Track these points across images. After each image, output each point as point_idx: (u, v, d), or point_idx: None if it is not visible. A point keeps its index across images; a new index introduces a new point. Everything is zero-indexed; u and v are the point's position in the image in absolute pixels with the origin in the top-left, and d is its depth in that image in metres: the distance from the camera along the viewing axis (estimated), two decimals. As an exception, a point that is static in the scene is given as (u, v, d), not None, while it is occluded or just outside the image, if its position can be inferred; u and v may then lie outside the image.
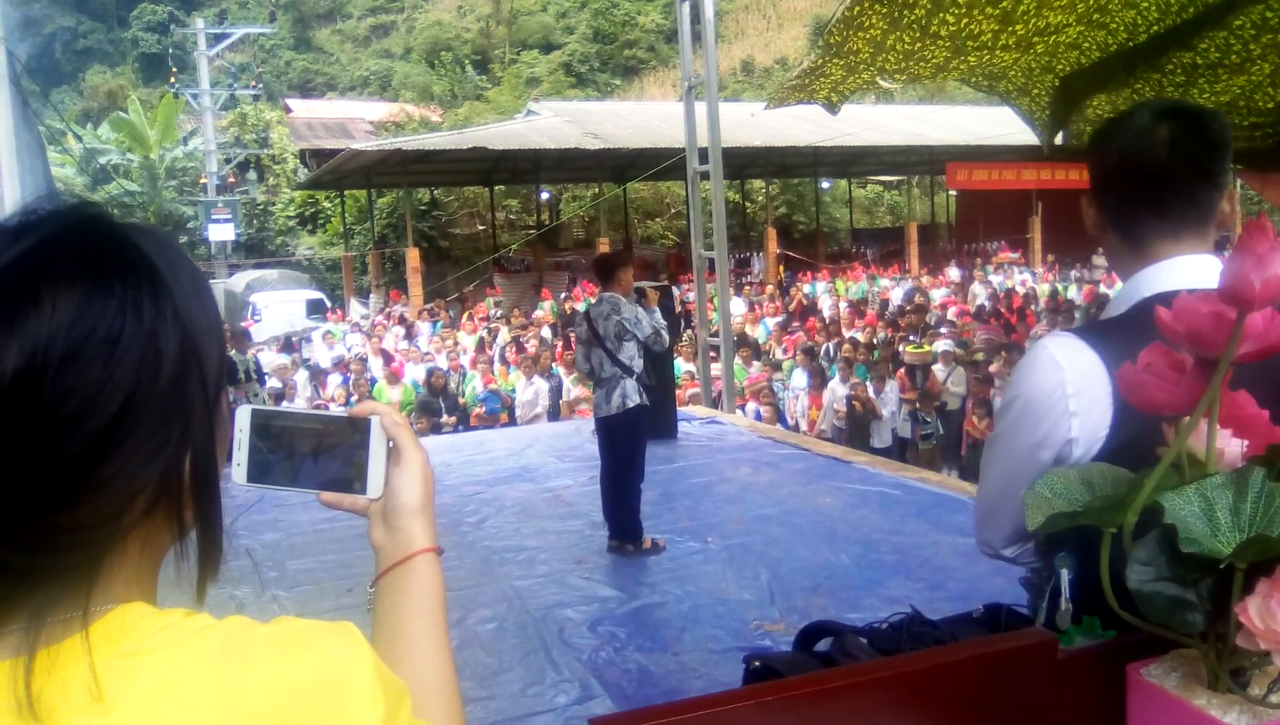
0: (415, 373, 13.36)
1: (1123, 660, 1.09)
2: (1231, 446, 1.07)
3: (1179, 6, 3.36)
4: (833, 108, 4.44)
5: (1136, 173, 1.45)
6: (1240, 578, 0.95)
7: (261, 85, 38.31)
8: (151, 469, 0.69)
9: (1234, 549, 0.95)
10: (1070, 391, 1.36)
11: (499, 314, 20.57)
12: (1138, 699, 1.06)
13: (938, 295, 20.58)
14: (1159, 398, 1.05)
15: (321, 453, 0.97)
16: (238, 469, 0.93)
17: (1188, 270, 1.42)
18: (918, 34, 3.46)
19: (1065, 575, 1.43)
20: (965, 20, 3.33)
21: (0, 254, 0.67)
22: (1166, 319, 1.03)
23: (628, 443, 6.04)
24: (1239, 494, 1.00)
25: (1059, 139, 4.05)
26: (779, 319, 17.73)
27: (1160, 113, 1.46)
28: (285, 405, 11.74)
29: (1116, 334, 1.41)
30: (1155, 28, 3.57)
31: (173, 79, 32.35)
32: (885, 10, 3.35)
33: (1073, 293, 19.73)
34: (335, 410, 1.04)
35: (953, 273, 24.86)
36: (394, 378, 12.98)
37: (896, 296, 20.87)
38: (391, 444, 0.97)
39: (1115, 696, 1.09)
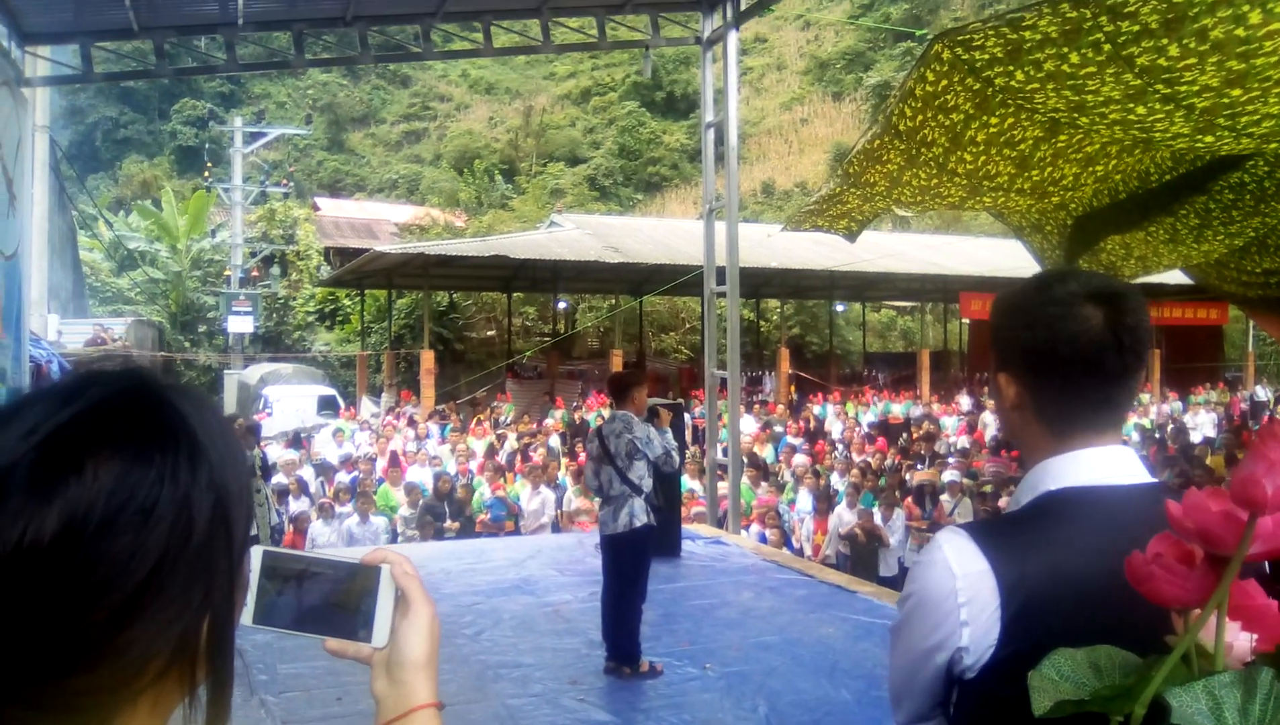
0: (422, 475, 13.30)
1: None
2: (1240, 640, 1.06)
3: (1194, 157, 3.42)
4: (850, 236, 4.51)
5: (1073, 360, 1.36)
6: (1249, 784, 0.93)
7: (292, 183, 39.22)
8: (171, 633, 0.70)
9: (1243, 754, 0.94)
10: (962, 600, 1.31)
11: (508, 420, 20.58)
12: None
13: (949, 423, 20.55)
14: (1168, 591, 1.04)
15: (329, 598, 0.97)
16: (245, 610, 0.93)
17: (1098, 463, 1.36)
18: (934, 170, 3.53)
19: None
20: (983, 159, 3.40)
21: (48, 418, 0.69)
22: (1176, 513, 1.03)
23: (633, 562, 5.98)
24: (1247, 694, 0.98)
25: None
26: (797, 441, 17.67)
27: (1092, 295, 1.36)
28: (292, 507, 11.69)
29: (1014, 533, 1.37)
30: (1168, 176, 3.63)
31: (207, 173, 33.18)
32: (904, 146, 3.42)
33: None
34: (346, 554, 1.04)
35: (964, 402, 24.87)
36: (396, 478, 12.95)
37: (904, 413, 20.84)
38: (400, 594, 0.97)
39: None
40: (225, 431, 0.78)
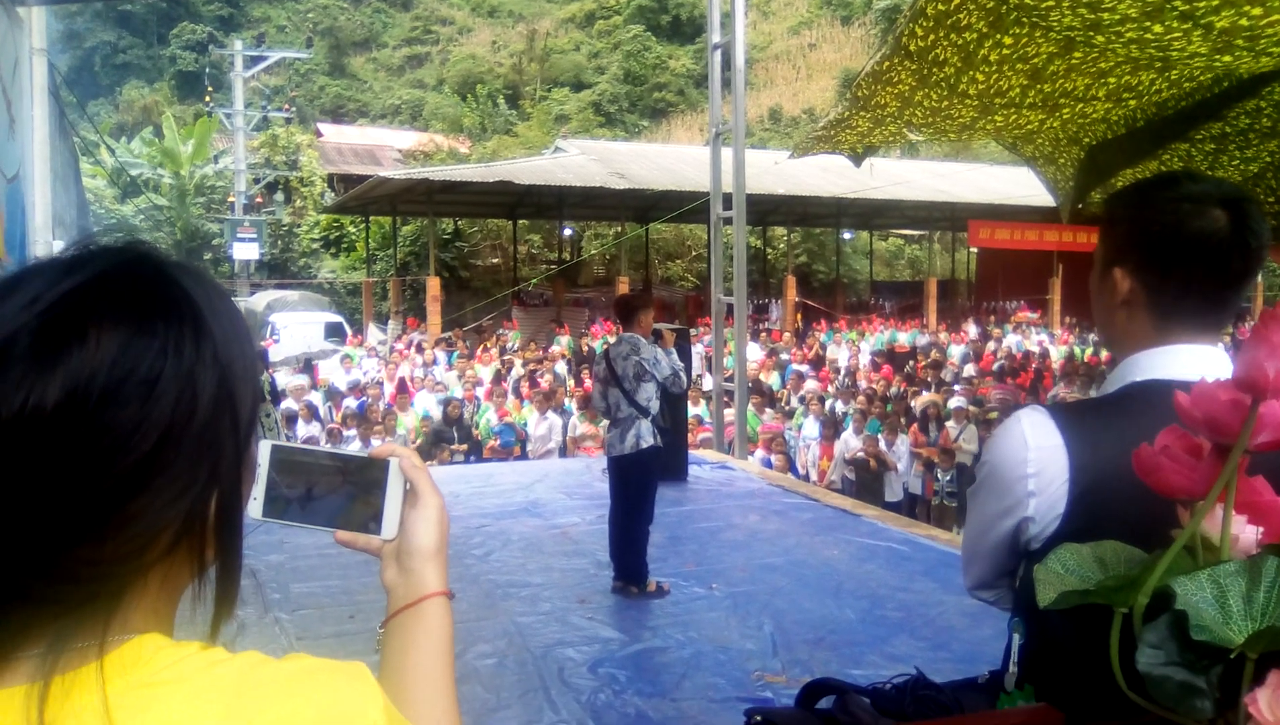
0: (429, 402, 13.39)
1: (1129, 743, 1.08)
2: (1246, 533, 1.07)
3: (1211, 80, 3.37)
4: (857, 159, 4.46)
5: (1197, 257, 1.38)
6: (1251, 667, 0.95)
7: (294, 109, 38.78)
8: (178, 507, 0.70)
9: (1245, 639, 0.95)
10: (1031, 471, 1.36)
11: (514, 347, 20.63)
12: (1143, 783, 1.05)
13: (955, 351, 20.55)
14: (1175, 481, 1.05)
15: (339, 491, 0.98)
16: (254, 503, 0.94)
17: (1191, 360, 1.38)
18: (945, 92, 3.48)
19: (1016, 640, 1.45)
20: (995, 77, 3.34)
21: (51, 288, 0.69)
22: (1184, 403, 1.03)
23: (639, 483, 6.04)
24: (1252, 583, 0.99)
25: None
26: (803, 367, 17.71)
27: (1221, 198, 1.38)
28: (301, 431, 11.78)
29: (1094, 417, 1.41)
30: (1184, 102, 3.58)
31: (208, 98, 32.76)
32: (915, 67, 3.37)
33: (1090, 354, 19.65)
34: (354, 449, 1.05)
35: (971, 329, 24.84)
36: (404, 404, 13.04)
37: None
38: (409, 487, 0.98)
39: (1120, 778, 1.08)
40: (229, 309, 0.77)
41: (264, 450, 0.95)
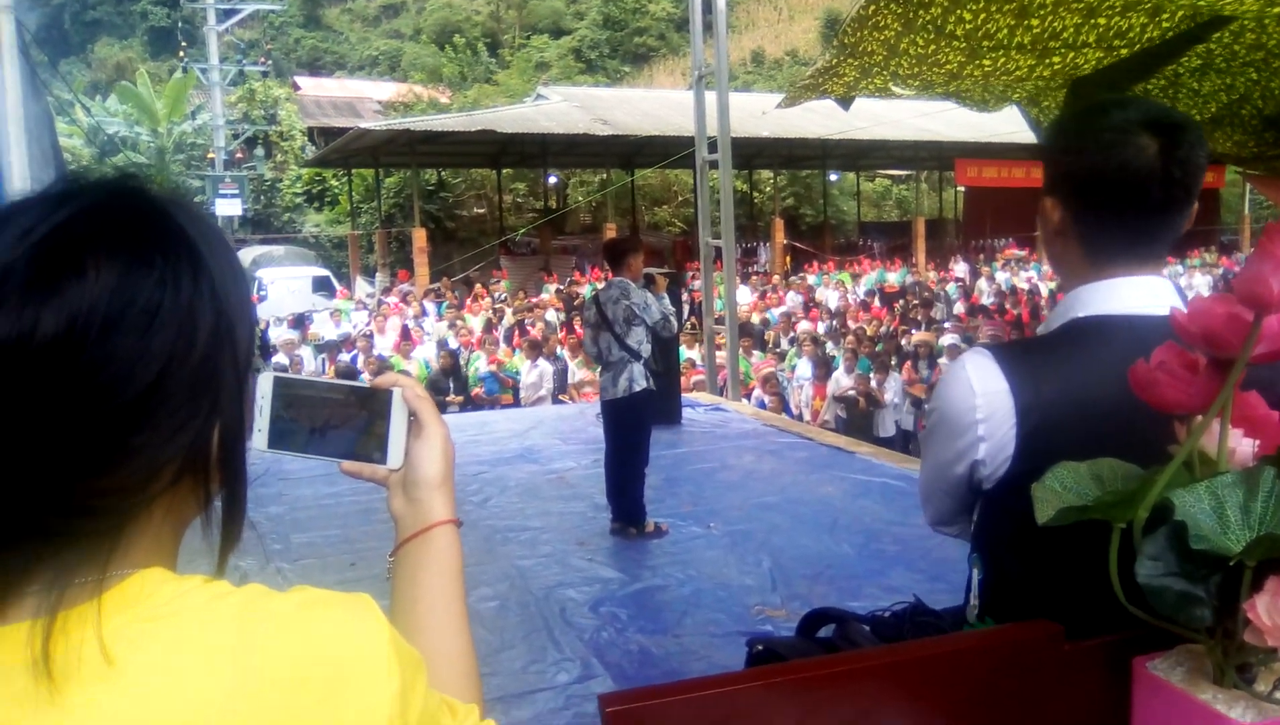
0: (425, 352, 13.41)
1: (1129, 653, 1.10)
2: (1243, 446, 1.09)
3: (1196, 18, 3.33)
4: (845, 102, 4.43)
5: (1120, 188, 1.35)
6: (1249, 575, 0.97)
7: (270, 62, 38.17)
8: (180, 440, 0.70)
9: (1244, 547, 0.97)
10: (980, 417, 1.36)
11: (503, 297, 20.58)
12: (1143, 692, 1.08)
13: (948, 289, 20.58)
14: (1171, 397, 1.06)
15: (343, 422, 0.98)
16: (259, 435, 0.94)
17: (1131, 292, 1.37)
18: (932, 34, 3.45)
19: (975, 575, 1.47)
20: (983, 17, 3.31)
21: (44, 220, 0.68)
22: (1181, 320, 1.04)
23: (633, 426, 6.06)
24: (1249, 493, 1.01)
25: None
26: (784, 308, 17.74)
27: (1149, 124, 1.34)
28: (308, 374, 11.78)
29: (1037, 355, 1.40)
30: (1169, 33, 3.54)
31: (181, 53, 32.24)
32: (900, 10, 3.33)
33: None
34: (358, 381, 1.05)
35: (959, 268, 24.84)
36: (407, 351, 13.08)
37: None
38: (413, 416, 0.98)
39: (1121, 689, 1.11)
40: (224, 244, 0.77)
41: (267, 382, 0.95)
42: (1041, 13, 3.38)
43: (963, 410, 1.38)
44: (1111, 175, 1.35)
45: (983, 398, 1.35)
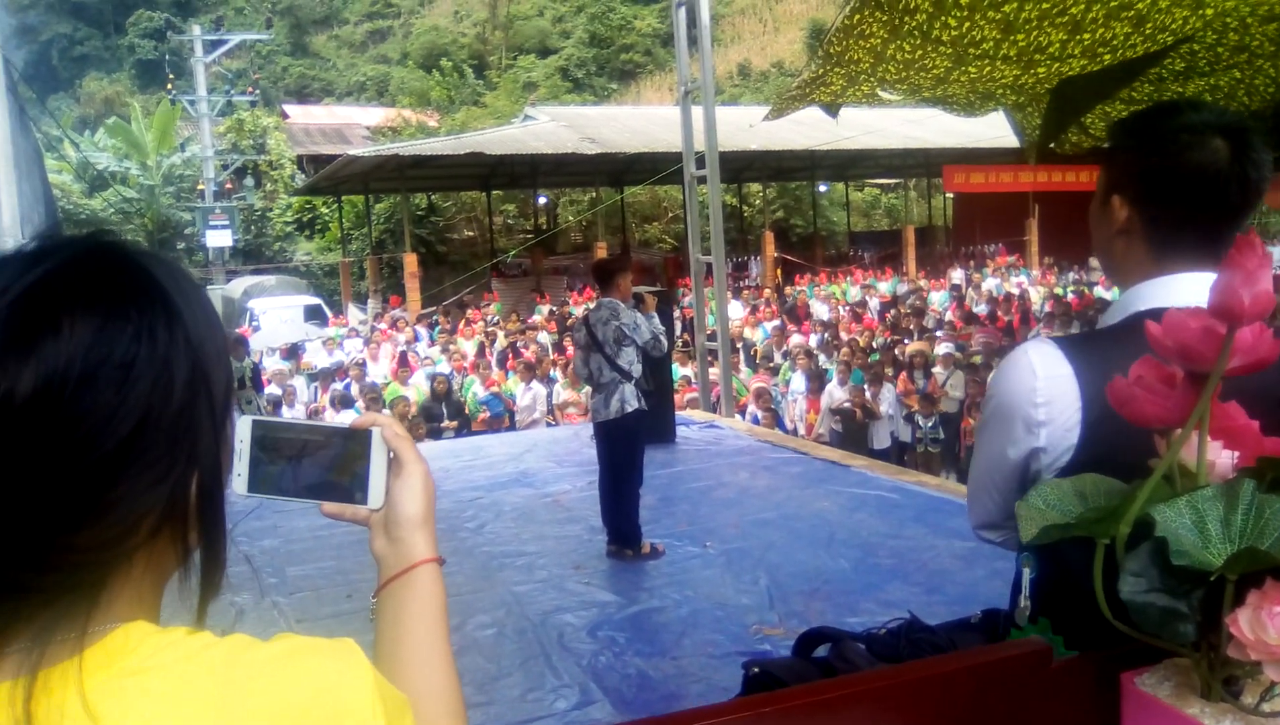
0: (422, 378, 13.41)
1: (1116, 669, 1.10)
2: (1222, 458, 1.08)
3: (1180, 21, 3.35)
4: (832, 111, 4.45)
5: (1195, 189, 1.37)
6: (1231, 589, 0.96)
7: (258, 91, 38.32)
8: (159, 492, 0.70)
9: (1225, 561, 0.97)
10: (1040, 401, 1.35)
11: (495, 319, 20.57)
12: (1131, 708, 1.07)
13: (936, 298, 20.60)
14: (1149, 411, 1.06)
15: (323, 463, 0.97)
16: (238, 479, 0.93)
17: (1192, 288, 1.36)
18: (918, 40, 3.46)
19: (1027, 574, 1.45)
20: (968, 25, 3.33)
21: (18, 279, 0.69)
22: (1156, 333, 1.04)
23: (626, 447, 6.05)
24: (1229, 506, 1.01)
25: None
26: (776, 322, 17.75)
27: (1222, 127, 1.37)
28: (286, 416, 11.74)
29: (1100, 346, 1.40)
30: (1149, 46, 3.56)
31: (169, 86, 32.32)
32: (885, 18, 3.34)
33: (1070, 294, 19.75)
34: (336, 420, 1.05)
35: (954, 275, 24.89)
36: (405, 378, 13.07)
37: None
38: (393, 455, 0.98)
39: (1109, 705, 1.10)
40: (198, 294, 0.77)
41: (245, 426, 0.95)
42: (1028, 28, 3.40)
43: (1023, 393, 1.37)
44: (1189, 176, 1.38)
45: (1045, 382, 1.35)
